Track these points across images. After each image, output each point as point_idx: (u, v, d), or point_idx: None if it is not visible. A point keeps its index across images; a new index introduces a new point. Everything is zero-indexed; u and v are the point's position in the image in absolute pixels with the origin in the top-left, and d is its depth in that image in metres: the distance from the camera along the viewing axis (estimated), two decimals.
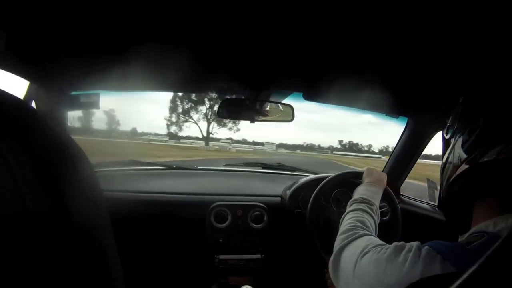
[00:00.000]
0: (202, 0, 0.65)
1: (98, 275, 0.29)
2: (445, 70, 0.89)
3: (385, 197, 1.25)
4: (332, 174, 1.21)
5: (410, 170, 1.52)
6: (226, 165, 1.88)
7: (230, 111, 1.26)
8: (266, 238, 1.38)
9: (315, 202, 1.15)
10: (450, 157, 0.59)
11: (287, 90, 1.27)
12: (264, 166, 1.86)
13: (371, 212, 0.83)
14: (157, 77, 1.06)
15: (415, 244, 0.52)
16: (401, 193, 1.56)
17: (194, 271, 1.39)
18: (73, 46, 0.89)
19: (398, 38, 0.75)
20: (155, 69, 0.98)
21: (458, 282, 0.34)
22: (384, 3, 0.61)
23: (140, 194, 1.33)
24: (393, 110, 1.35)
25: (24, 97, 1.08)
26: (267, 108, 1.29)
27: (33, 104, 1.12)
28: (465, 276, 0.34)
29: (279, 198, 1.42)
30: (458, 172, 0.54)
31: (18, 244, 0.23)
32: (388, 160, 1.57)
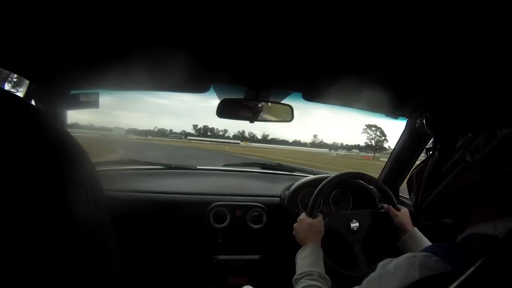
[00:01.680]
0: (201, 1, 0.65)
1: (101, 274, 0.29)
2: (445, 70, 0.89)
3: (384, 198, 1.25)
4: (331, 175, 1.21)
5: (410, 170, 1.52)
6: (225, 165, 1.89)
7: (229, 111, 1.25)
8: (265, 238, 1.38)
9: (315, 203, 1.15)
10: (450, 159, 0.55)
11: (287, 90, 1.27)
12: (263, 166, 1.86)
13: (316, 283, 0.80)
14: (156, 76, 1.06)
15: (404, 255, 0.52)
16: (400, 194, 1.57)
17: (193, 271, 1.39)
18: (72, 45, 0.89)
19: (397, 38, 0.76)
20: (154, 69, 0.98)
21: (458, 282, 0.35)
22: (383, 5, 0.61)
23: (139, 193, 1.33)
24: (392, 110, 1.35)
25: (24, 96, 1.08)
26: (266, 108, 1.29)
27: (33, 103, 1.12)
28: (465, 275, 0.34)
29: (278, 199, 1.42)
30: (471, 179, 0.51)
31: (20, 244, 0.23)
32: (388, 160, 1.57)
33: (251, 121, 1.30)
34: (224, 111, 1.23)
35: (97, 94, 1.22)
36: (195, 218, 1.32)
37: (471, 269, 0.37)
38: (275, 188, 1.47)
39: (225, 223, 1.32)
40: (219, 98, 1.24)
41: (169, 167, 1.70)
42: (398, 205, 1.13)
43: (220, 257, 1.34)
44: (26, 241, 0.23)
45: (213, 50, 0.94)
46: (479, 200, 0.54)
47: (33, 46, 0.88)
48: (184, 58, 0.90)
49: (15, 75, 1.00)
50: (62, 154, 0.27)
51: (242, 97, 1.26)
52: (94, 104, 1.23)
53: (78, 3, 0.67)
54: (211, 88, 1.22)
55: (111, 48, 0.93)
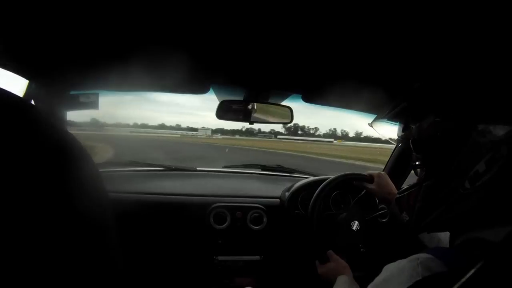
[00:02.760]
0: (201, 1, 0.65)
1: (104, 275, 0.29)
2: (445, 73, 0.89)
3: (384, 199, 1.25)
4: (331, 176, 1.21)
5: (409, 172, 1.52)
6: (225, 167, 1.89)
7: (229, 112, 1.26)
8: (265, 239, 1.37)
9: (316, 204, 1.15)
10: (446, 186, 0.54)
11: (286, 91, 1.27)
12: (263, 167, 1.86)
13: None
14: (156, 77, 1.06)
15: (408, 258, 0.52)
16: None
17: (193, 272, 1.39)
18: (72, 45, 0.89)
19: (396, 41, 0.76)
20: (154, 70, 0.98)
21: (458, 284, 0.35)
22: (383, 6, 0.61)
23: (139, 195, 1.33)
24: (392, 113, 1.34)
25: (23, 96, 1.08)
26: (266, 110, 1.29)
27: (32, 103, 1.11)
28: (464, 278, 0.34)
29: (278, 200, 1.42)
30: (471, 206, 0.50)
31: (24, 245, 0.23)
32: (388, 161, 1.57)
33: (251, 123, 1.31)
34: (223, 112, 1.24)
35: (97, 94, 1.22)
36: (195, 219, 1.32)
37: (471, 272, 0.37)
38: (275, 190, 1.47)
39: (226, 224, 1.31)
40: (219, 99, 1.24)
41: (169, 168, 1.70)
42: (369, 174, 1.14)
43: (221, 258, 1.34)
44: (28, 241, 0.23)
45: (213, 51, 0.94)
46: (480, 221, 0.52)
47: (32, 45, 0.88)
48: (184, 59, 0.90)
49: (15, 75, 1.00)
50: (63, 153, 0.27)
51: (241, 98, 1.26)
52: (93, 105, 1.23)
53: (78, 3, 0.67)
54: (211, 89, 1.22)
55: (111, 48, 0.93)
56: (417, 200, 0.59)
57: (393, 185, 1.08)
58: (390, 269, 0.53)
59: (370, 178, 1.13)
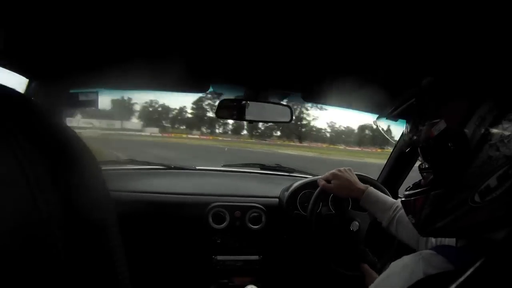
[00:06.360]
0: (201, 1, 0.65)
1: (106, 275, 0.29)
2: (446, 71, 0.89)
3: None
4: None
5: (409, 172, 1.52)
6: (224, 166, 1.88)
7: (229, 111, 1.26)
8: (264, 239, 1.38)
9: (314, 204, 1.15)
10: (456, 197, 0.51)
11: (286, 90, 1.27)
12: (262, 167, 1.85)
13: None
14: (156, 76, 1.06)
15: (411, 254, 0.52)
16: (399, 196, 1.56)
17: (192, 272, 1.39)
18: (72, 44, 0.89)
19: (397, 40, 0.76)
20: (153, 69, 0.98)
21: (457, 283, 0.35)
22: (382, 5, 0.61)
23: (137, 193, 1.33)
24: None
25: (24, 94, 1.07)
26: (266, 109, 1.29)
27: None
28: (464, 276, 0.35)
29: (277, 200, 1.42)
30: (480, 219, 0.49)
31: (29, 246, 0.23)
32: (387, 161, 1.57)
33: (251, 122, 1.31)
34: (223, 111, 1.24)
35: (96, 93, 1.22)
36: (194, 219, 1.32)
37: (470, 270, 0.37)
38: (274, 189, 1.47)
39: (224, 224, 1.31)
40: (218, 99, 1.24)
41: (168, 167, 1.69)
42: (324, 177, 1.12)
43: (219, 257, 1.34)
44: (33, 242, 0.23)
45: (213, 50, 0.94)
46: (487, 231, 0.52)
47: (33, 44, 0.88)
48: (183, 58, 0.90)
49: (15, 73, 1.00)
50: (68, 153, 0.27)
51: (241, 97, 1.26)
52: (93, 103, 1.22)
53: (78, 2, 0.67)
54: (211, 88, 1.22)
55: (111, 47, 0.93)
56: (424, 205, 0.57)
57: (355, 180, 1.07)
58: (394, 265, 0.53)
59: (327, 178, 1.12)
